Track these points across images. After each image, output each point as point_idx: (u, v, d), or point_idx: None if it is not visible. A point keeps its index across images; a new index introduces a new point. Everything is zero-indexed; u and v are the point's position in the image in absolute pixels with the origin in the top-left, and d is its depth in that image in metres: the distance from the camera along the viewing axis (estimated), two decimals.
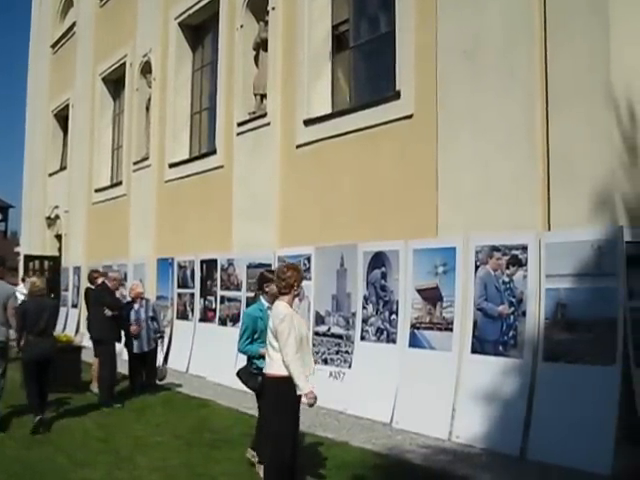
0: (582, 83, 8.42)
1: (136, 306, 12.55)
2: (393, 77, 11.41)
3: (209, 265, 15.31)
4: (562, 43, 8.65)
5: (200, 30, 18.37)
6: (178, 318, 16.40)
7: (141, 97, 19.97)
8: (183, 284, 16.39)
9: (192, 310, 15.90)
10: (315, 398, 6.43)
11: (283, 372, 6.41)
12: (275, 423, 6.55)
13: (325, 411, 10.34)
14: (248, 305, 13.05)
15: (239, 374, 7.80)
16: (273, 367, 6.53)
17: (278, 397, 6.52)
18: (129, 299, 12.92)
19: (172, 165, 18.05)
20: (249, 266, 13.73)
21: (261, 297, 7.76)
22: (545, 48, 8.87)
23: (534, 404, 8.27)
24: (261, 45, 14.82)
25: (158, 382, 12.79)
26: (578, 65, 8.47)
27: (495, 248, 8.99)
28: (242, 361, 8.03)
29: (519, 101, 9.12)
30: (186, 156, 18.01)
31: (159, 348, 13.22)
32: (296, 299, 7.02)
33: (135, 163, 19.83)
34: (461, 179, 9.76)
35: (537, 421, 8.18)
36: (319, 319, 11.76)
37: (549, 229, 8.64)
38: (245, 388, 7.79)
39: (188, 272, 16.18)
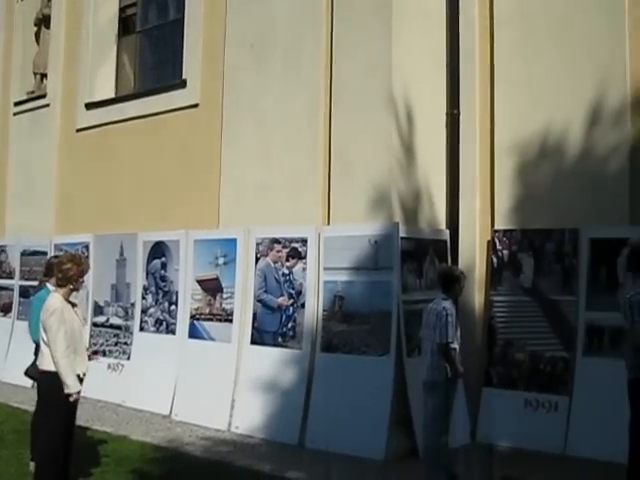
0: (364, 85, 8.56)
1: None
2: (180, 65, 11.14)
3: None
4: (347, 46, 8.77)
5: None
6: None
7: None
8: None
9: None
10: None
11: (53, 367, 5.98)
12: (46, 419, 6.17)
13: (103, 404, 10.00)
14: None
15: (27, 373, 7.19)
16: (44, 362, 6.09)
17: (49, 393, 6.10)
18: None
19: None
20: (23, 253, 12.90)
21: (47, 284, 7.21)
22: (331, 48, 8.96)
23: (312, 394, 8.33)
24: (43, 21, 13.91)
25: None
26: (361, 67, 8.61)
27: (276, 240, 8.99)
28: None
29: (304, 98, 9.14)
30: None
31: None
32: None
33: None
34: (244, 171, 9.67)
35: (315, 410, 8.25)
36: (97, 309, 11.32)
37: (328, 223, 8.75)
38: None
39: None
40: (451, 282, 6.71)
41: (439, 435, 6.48)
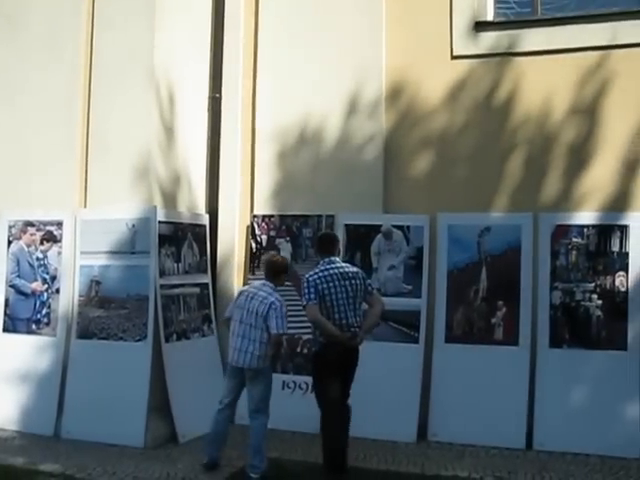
0: (125, 64, 8.22)
1: None
2: None
3: None
4: (109, 23, 8.36)
5: None
6: None
7: None
8: None
9: None
10: None
11: None
12: None
13: None
14: None
15: None
16: None
17: None
18: None
19: None
20: None
21: None
22: (92, 24, 8.51)
23: (68, 382, 7.97)
24: None
25: None
26: (123, 46, 8.24)
27: (29, 223, 8.47)
28: None
29: (62, 75, 8.58)
30: None
31: None
32: None
33: None
34: None
35: (71, 399, 7.91)
36: None
37: (85, 206, 8.35)
38: None
39: None
40: (279, 272, 6.68)
41: (268, 418, 6.56)
